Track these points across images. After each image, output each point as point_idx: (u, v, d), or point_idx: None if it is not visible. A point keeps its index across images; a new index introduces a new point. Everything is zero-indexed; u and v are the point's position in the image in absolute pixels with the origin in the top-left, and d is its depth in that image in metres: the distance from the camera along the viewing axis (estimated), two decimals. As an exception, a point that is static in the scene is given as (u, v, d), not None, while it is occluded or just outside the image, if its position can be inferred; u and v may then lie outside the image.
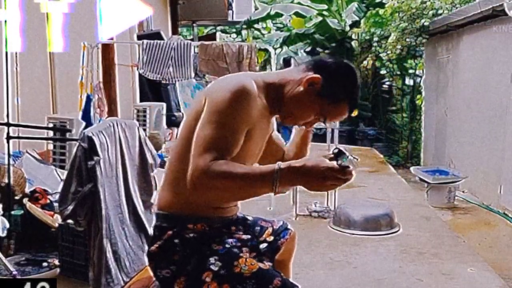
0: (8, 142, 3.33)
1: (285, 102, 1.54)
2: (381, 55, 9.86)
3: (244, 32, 14.76)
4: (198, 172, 1.31)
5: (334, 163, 1.29)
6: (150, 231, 1.67)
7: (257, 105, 1.46)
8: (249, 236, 1.65)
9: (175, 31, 10.60)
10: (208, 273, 1.46)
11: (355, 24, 10.83)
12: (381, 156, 9.04)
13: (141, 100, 7.73)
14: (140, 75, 5.80)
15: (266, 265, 1.58)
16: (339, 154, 1.36)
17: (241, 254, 1.51)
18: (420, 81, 10.60)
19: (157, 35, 7.28)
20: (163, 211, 1.57)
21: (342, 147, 1.42)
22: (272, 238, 1.73)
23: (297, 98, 1.53)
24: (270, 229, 1.76)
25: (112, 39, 5.26)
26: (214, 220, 1.57)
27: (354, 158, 1.34)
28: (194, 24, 13.10)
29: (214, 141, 1.36)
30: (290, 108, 1.55)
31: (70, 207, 1.94)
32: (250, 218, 1.78)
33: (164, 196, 1.58)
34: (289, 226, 1.82)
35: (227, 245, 1.53)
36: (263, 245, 1.69)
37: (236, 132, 1.40)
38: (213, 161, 1.32)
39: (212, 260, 1.48)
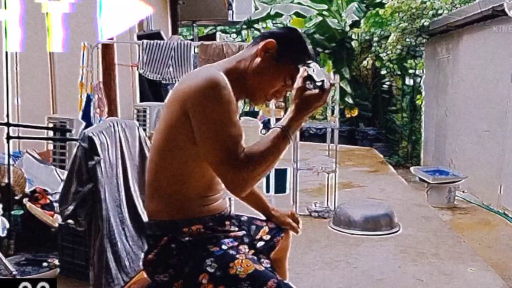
0: (8, 142, 3.34)
1: (248, 79, 1.55)
2: (381, 55, 9.86)
3: (244, 32, 14.73)
4: (236, 172, 1.36)
5: (315, 90, 1.42)
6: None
7: (231, 93, 1.46)
8: (244, 232, 1.66)
9: (175, 31, 10.59)
10: (204, 275, 1.47)
11: (355, 24, 10.82)
12: (381, 156, 9.05)
13: (141, 100, 7.73)
14: (140, 75, 5.79)
15: (264, 263, 1.59)
16: (308, 79, 1.43)
17: (237, 256, 1.51)
18: (420, 81, 10.60)
19: (157, 35, 7.28)
20: (154, 219, 1.57)
21: (311, 70, 1.45)
22: (268, 236, 1.74)
23: (258, 70, 1.54)
24: (266, 228, 1.77)
25: (112, 39, 5.25)
26: (206, 220, 1.57)
27: (321, 70, 1.45)
28: (194, 24, 13.10)
29: (226, 139, 1.38)
30: (255, 83, 1.55)
31: (71, 207, 1.93)
32: (244, 217, 1.79)
33: (152, 204, 1.57)
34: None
35: (223, 246, 1.53)
36: (260, 243, 1.71)
37: (235, 123, 1.41)
38: (241, 154, 1.36)
39: (208, 262, 1.48)
